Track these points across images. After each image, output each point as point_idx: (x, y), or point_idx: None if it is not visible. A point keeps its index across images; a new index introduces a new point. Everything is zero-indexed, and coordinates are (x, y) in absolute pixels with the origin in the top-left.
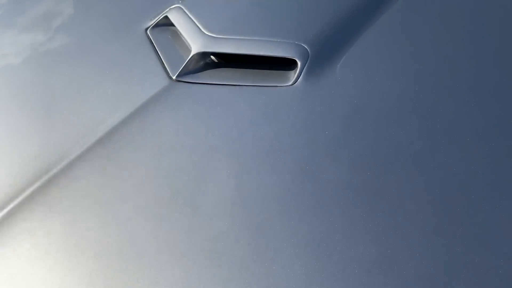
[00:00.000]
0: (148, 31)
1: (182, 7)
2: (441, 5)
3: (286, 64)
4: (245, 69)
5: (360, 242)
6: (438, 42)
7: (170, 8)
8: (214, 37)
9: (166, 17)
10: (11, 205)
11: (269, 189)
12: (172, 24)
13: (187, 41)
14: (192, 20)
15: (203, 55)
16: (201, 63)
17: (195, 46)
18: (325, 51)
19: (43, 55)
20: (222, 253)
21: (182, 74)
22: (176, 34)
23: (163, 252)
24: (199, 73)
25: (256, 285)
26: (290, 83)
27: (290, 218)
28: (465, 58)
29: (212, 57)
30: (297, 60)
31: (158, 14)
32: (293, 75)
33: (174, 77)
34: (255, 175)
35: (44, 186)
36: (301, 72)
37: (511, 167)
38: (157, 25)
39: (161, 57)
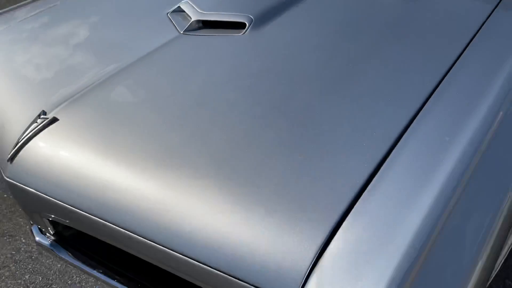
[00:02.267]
0: (168, 14)
1: (190, 2)
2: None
3: (241, 27)
4: (219, 29)
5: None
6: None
7: (182, 2)
8: (202, 13)
9: (179, 6)
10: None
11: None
12: (183, 10)
13: (189, 15)
14: (192, 6)
15: (197, 21)
16: (195, 26)
17: (193, 17)
18: (262, 19)
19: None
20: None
21: (186, 30)
22: (184, 14)
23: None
24: (195, 31)
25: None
26: (242, 33)
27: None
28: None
29: (201, 23)
30: (246, 23)
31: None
32: (243, 31)
33: (181, 32)
34: (236, 83)
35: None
36: (247, 29)
37: None
38: (174, 11)
39: (175, 24)
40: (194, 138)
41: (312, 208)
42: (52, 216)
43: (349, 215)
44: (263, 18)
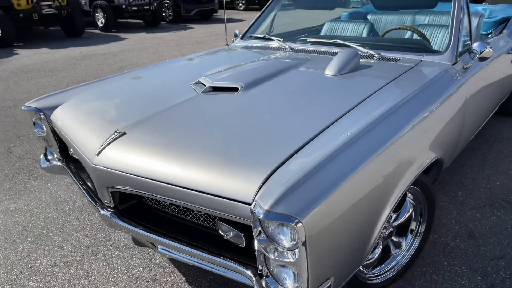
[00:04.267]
0: (191, 85)
1: (206, 78)
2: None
3: (236, 90)
4: (222, 92)
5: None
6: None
7: (202, 77)
8: (213, 82)
9: (199, 80)
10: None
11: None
12: (201, 82)
13: (204, 84)
14: (207, 79)
15: (209, 87)
16: (208, 90)
17: (207, 84)
18: (248, 86)
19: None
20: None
21: (202, 92)
22: (202, 84)
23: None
24: (208, 92)
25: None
26: (236, 93)
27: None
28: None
29: (211, 88)
30: (239, 87)
31: (197, 80)
32: (237, 92)
33: (200, 93)
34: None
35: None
36: (240, 91)
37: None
38: (195, 83)
39: (195, 90)
40: (199, 139)
41: (267, 157)
42: (117, 186)
43: (284, 164)
44: (249, 86)
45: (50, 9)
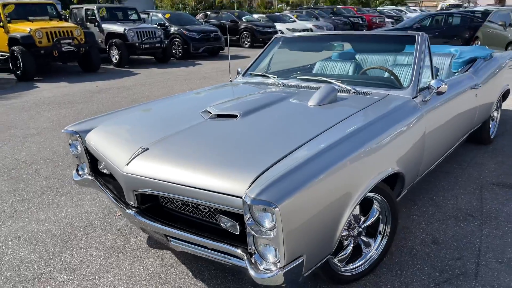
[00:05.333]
0: (200, 113)
1: (212, 107)
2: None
3: (236, 117)
4: (225, 118)
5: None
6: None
7: (209, 107)
8: (218, 111)
9: (206, 109)
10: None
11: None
12: (208, 111)
13: (211, 112)
14: (213, 108)
15: (215, 115)
16: (214, 116)
17: (213, 112)
18: (245, 114)
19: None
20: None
21: (209, 118)
22: (208, 112)
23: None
24: (213, 119)
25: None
26: (236, 119)
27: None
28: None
29: (216, 116)
30: (238, 115)
31: (205, 109)
32: (237, 118)
33: (206, 119)
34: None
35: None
36: (238, 118)
37: None
38: (203, 112)
39: (203, 116)
40: (205, 152)
41: (255, 164)
42: (142, 189)
43: (271, 167)
44: (246, 113)
45: (70, 47)
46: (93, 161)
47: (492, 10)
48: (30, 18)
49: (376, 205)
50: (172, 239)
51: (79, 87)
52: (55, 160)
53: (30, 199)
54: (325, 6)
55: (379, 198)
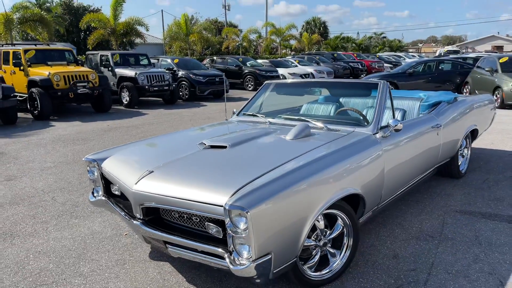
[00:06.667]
0: (197, 144)
1: (207, 140)
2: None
3: (224, 147)
4: (218, 148)
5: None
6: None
7: (205, 140)
8: (211, 143)
9: (202, 142)
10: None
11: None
12: (203, 143)
13: (205, 144)
14: (208, 141)
15: (209, 146)
16: (208, 147)
17: (207, 144)
18: (232, 145)
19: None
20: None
21: (203, 149)
22: (204, 144)
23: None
24: (208, 149)
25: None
26: (225, 149)
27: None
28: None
29: (210, 146)
30: (227, 146)
31: (201, 141)
32: (226, 148)
33: (202, 149)
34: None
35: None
36: (227, 148)
37: None
38: (199, 143)
39: (199, 147)
40: (198, 173)
41: (235, 181)
42: (147, 203)
43: (248, 184)
44: (233, 145)
45: (85, 89)
46: (106, 184)
47: (481, 56)
48: (49, 63)
49: (340, 221)
50: (169, 246)
51: (92, 125)
52: (70, 189)
53: (48, 221)
54: (326, 52)
55: (341, 215)
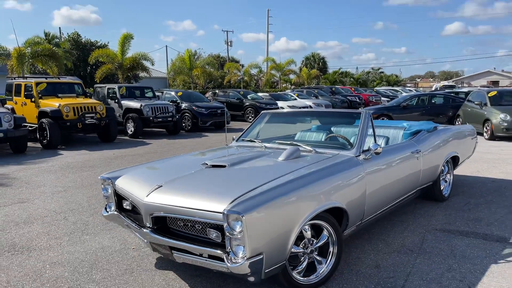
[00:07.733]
0: (200, 164)
1: (209, 161)
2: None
3: (224, 167)
4: (218, 167)
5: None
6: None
7: (207, 160)
8: (212, 163)
9: (205, 162)
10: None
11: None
12: (205, 163)
13: (207, 164)
14: (210, 161)
15: (211, 165)
16: (210, 166)
17: (209, 163)
18: (231, 165)
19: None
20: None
21: (206, 168)
22: (206, 164)
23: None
24: (210, 168)
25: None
26: (224, 169)
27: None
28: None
29: (211, 166)
30: (226, 165)
31: (204, 162)
32: (225, 168)
33: (205, 168)
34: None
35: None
36: (226, 167)
37: None
38: (202, 163)
39: (202, 166)
40: (201, 187)
41: (233, 193)
42: (156, 212)
43: (244, 194)
44: (232, 164)
45: (92, 120)
46: (118, 200)
47: (472, 91)
48: (60, 95)
49: (325, 232)
50: (175, 252)
51: (98, 154)
52: (80, 210)
53: (61, 237)
54: (325, 86)
55: (327, 226)
